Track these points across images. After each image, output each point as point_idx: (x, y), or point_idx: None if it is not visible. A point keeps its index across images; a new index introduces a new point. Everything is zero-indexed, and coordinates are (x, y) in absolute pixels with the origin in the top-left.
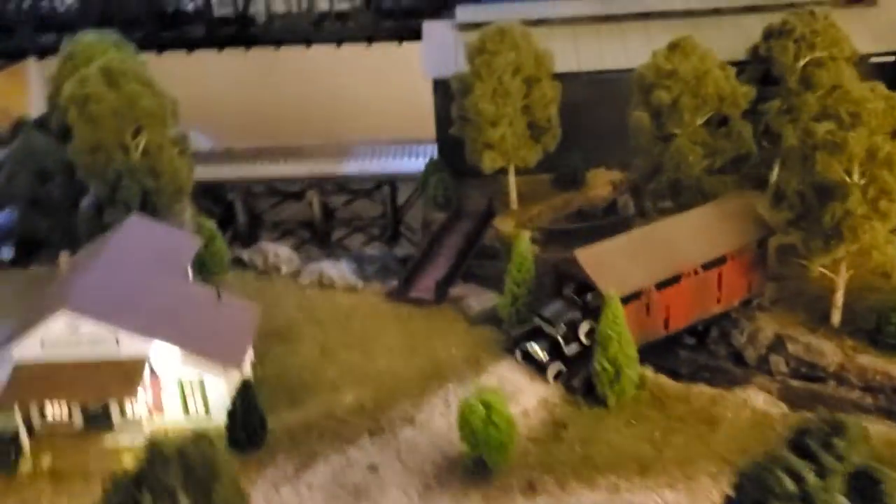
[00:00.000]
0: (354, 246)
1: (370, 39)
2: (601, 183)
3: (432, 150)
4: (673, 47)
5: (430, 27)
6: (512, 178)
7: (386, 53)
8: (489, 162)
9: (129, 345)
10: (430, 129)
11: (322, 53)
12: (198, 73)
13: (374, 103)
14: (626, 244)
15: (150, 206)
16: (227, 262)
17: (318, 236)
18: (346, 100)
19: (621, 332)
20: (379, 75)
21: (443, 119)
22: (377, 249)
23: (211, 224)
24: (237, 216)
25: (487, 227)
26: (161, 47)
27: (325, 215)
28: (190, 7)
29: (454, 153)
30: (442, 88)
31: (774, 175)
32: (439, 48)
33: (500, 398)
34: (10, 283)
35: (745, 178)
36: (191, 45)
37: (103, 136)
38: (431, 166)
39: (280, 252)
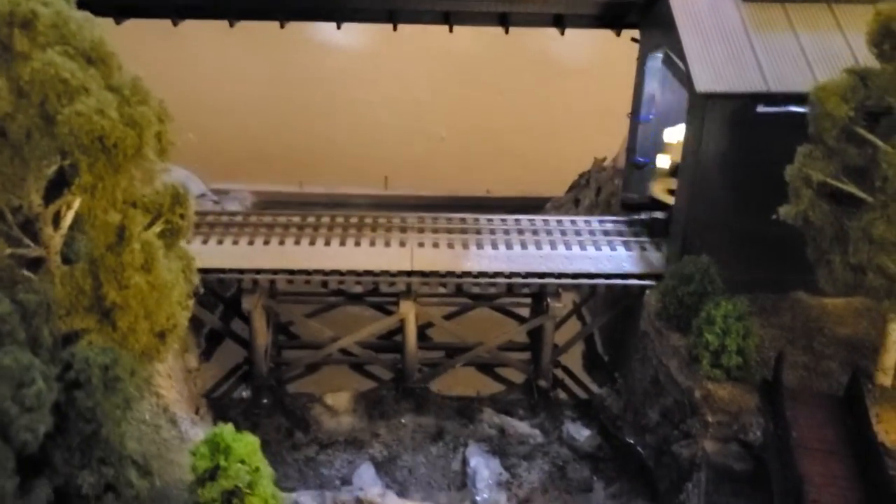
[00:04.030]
0: (481, 411)
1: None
2: None
3: (620, 233)
4: None
5: None
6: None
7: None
8: None
9: None
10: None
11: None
12: (180, 58)
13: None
14: None
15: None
16: None
17: (407, 379)
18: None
19: None
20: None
21: (705, 176)
22: (527, 424)
23: (250, 440)
24: (254, 338)
25: (871, 432)
26: (122, 11)
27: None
28: None
29: (717, 247)
30: (718, 116)
31: None
32: (721, 37)
33: None
34: None
35: None
36: (181, 11)
37: None
38: (700, 276)
39: None
